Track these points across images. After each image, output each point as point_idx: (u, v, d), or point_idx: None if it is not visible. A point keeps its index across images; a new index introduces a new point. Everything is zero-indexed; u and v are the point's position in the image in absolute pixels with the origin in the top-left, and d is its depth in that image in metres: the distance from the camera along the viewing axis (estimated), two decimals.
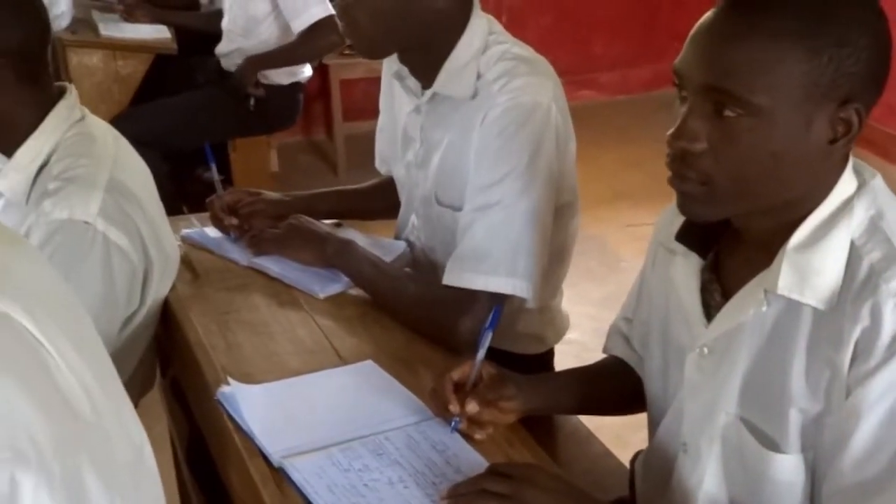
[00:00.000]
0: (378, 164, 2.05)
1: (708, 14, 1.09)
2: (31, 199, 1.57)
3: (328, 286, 1.73)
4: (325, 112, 4.95)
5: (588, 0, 5.59)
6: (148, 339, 1.69)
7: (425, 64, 1.69)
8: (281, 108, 3.65)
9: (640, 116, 5.31)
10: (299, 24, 3.40)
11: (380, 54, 1.74)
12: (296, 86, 3.70)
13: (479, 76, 1.66)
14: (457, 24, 1.66)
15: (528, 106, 1.60)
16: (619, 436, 2.01)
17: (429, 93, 1.71)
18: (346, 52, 4.51)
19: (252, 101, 3.48)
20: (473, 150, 1.64)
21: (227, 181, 3.87)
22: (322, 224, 1.87)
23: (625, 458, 1.62)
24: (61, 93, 1.63)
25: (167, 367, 1.88)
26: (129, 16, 3.68)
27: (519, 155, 1.59)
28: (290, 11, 3.40)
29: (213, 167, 2.00)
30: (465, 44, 1.66)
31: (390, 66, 1.83)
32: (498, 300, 1.57)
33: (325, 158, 4.89)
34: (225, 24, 3.61)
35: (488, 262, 1.58)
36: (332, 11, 3.34)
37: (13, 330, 0.88)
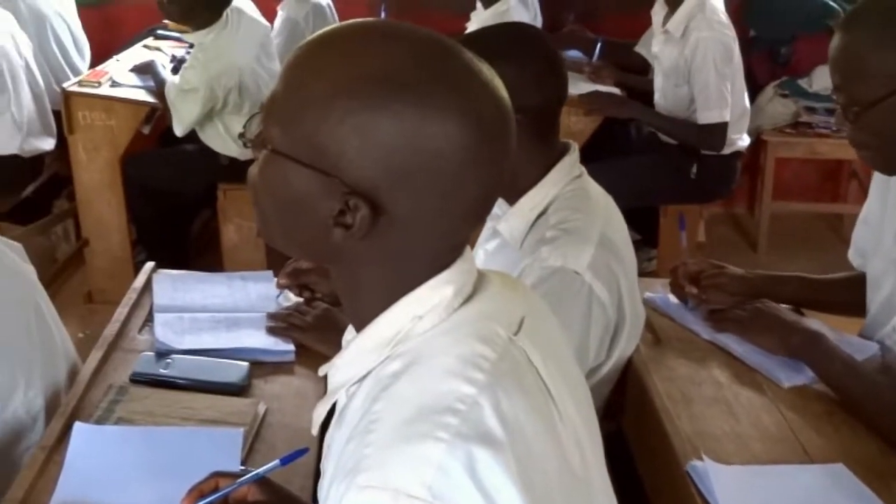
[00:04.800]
0: (851, 255, 1.96)
1: None
2: (525, 244, 1.67)
3: (793, 376, 1.68)
4: (751, 186, 4.84)
5: None
6: (605, 395, 1.73)
7: None
8: (720, 178, 3.63)
9: None
10: (704, 117, 3.49)
11: None
12: (735, 155, 3.67)
13: None
14: None
15: None
16: None
17: None
18: (787, 129, 4.41)
19: (694, 170, 3.49)
20: None
21: (652, 245, 3.92)
22: (789, 312, 1.82)
23: None
24: (564, 149, 1.73)
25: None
26: (597, 77, 3.85)
27: None
28: (701, 102, 3.48)
29: (684, 235, 2.02)
30: None
31: None
32: None
33: (744, 233, 4.77)
34: (656, 98, 3.68)
35: None
36: (728, 119, 3.46)
37: (532, 374, 0.94)
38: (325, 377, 1.01)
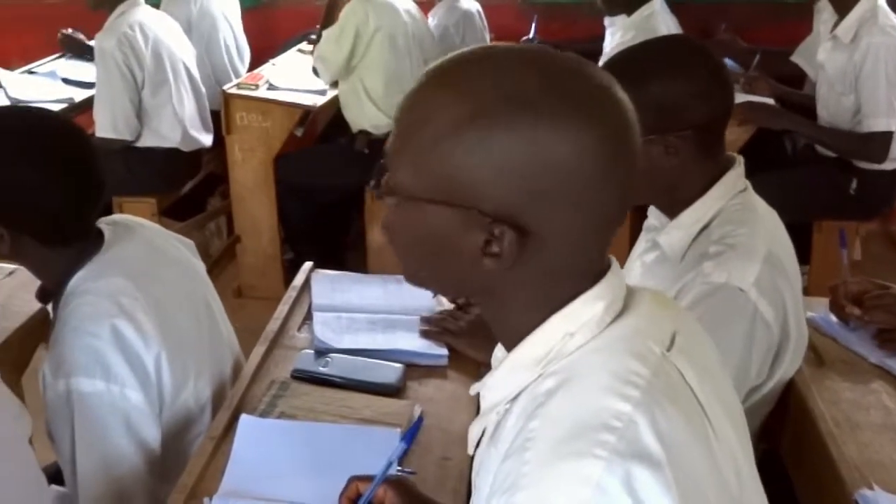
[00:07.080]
0: None
1: None
2: (685, 258, 1.64)
3: None
4: None
5: None
6: (763, 415, 1.69)
7: None
8: (881, 194, 3.48)
9: None
10: (868, 125, 3.32)
11: None
12: None
13: None
14: None
15: None
16: None
17: None
18: None
19: (854, 185, 3.36)
20: None
21: (803, 261, 3.78)
22: None
23: None
24: (729, 162, 1.69)
25: None
26: (751, 89, 3.75)
27: None
28: (868, 110, 3.31)
29: (845, 253, 1.95)
30: None
31: None
32: None
33: None
34: (818, 109, 3.55)
35: None
36: (894, 129, 3.26)
37: (686, 391, 0.92)
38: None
